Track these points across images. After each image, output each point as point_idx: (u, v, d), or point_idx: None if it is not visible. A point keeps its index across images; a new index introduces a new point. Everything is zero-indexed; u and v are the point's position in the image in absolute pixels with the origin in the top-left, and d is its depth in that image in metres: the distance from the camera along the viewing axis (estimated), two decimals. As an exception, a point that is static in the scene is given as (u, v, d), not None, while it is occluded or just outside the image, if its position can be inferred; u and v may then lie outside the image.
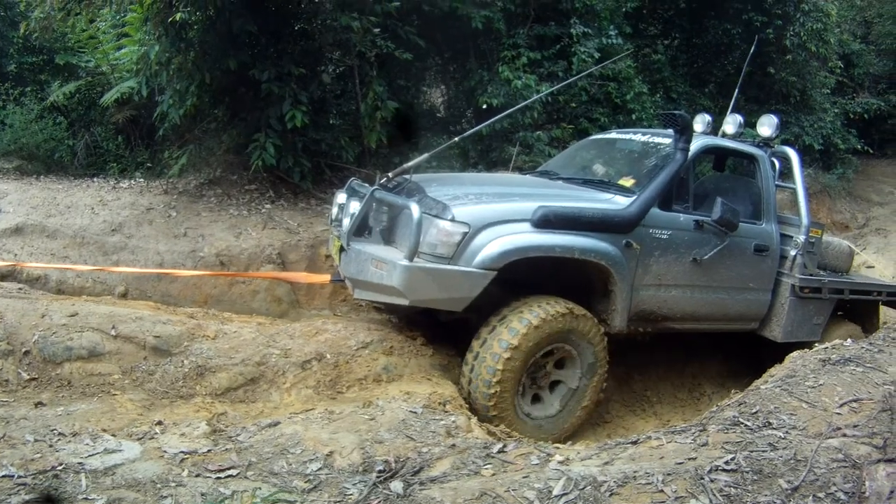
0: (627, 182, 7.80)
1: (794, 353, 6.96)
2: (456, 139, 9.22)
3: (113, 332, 6.88)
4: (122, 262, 9.76)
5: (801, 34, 17.58)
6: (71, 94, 13.75)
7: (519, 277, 6.74)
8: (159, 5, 10.59)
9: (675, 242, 7.64)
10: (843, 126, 20.34)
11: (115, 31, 13.69)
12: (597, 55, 14.41)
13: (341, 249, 7.41)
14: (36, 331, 6.63)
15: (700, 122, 9.04)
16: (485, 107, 13.45)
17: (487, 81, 13.72)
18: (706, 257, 7.82)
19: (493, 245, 6.52)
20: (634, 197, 7.38)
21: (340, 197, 8.14)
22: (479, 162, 13.45)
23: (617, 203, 7.33)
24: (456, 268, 6.49)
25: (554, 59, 14.31)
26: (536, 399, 7.27)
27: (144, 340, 6.94)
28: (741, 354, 9.64)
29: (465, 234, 6.46)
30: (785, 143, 9.63)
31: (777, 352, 7.63)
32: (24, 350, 6.48)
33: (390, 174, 7.50)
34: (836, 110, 20.25)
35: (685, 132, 7.70)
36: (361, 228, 7.23)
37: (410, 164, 7.64)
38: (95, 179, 12.55)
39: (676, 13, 18.98)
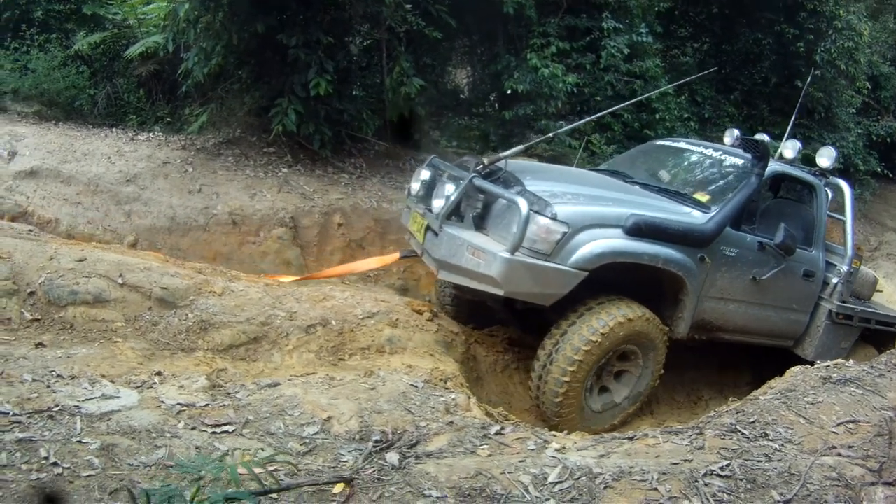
0: (703, 197, 8.00)
1: (796, 368, 6.95)
2: (551, 134, 9.65)
3: (120, 281, 6.89)
4: (133, 213, 9.78)
5: (832, 51, 17.49)
6: (96, 45, 13.69)
7: (594, 276, 6.83)
8: (191, -37, 10.58)
9: (740, 261, 7.92)
10: (864, 147, 20.22)
11: (146, -16, 13.68)
12: (626, 51, 14.43)
13: (427, 229, 7.49)
14: (43, 273, 6.65)
15: (791, 148, 9.21)
16: (510, 92, 13.45)
17: (514, 67, 13.69)
18: (764, 277, 8.09)
19: (589, 247, 6.69)
20: (711, 214, 7.60)
21: (424, 173, 8.18)
22: (499, 145, 13.41)
23: (695, 218, 7.54)
24: (553, 265, 6.62)
25: (583, 52, 14.32)
26: (603, 390, 7.56)
27: (151, 291, 6.96)
28: (740, 363, 9.67)
29: (565, 233, 6.58)
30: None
31: (776, 365, 7.64)
32: (28, 291, 6.49)
33: (486, 161, 7.52)
34: (859, 130, 20.13)
35: (763, 159, 8.02)
36: (453, 212, 7.25)
37: (507, 153, 7.68)
38: (114, 130, 12.53)
39: (708, 17, 18.89)
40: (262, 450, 4.16)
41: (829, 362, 7.11)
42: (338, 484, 3.74)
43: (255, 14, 10.90)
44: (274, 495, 3.57)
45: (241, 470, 3.35)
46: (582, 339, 6.79)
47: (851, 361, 7.13)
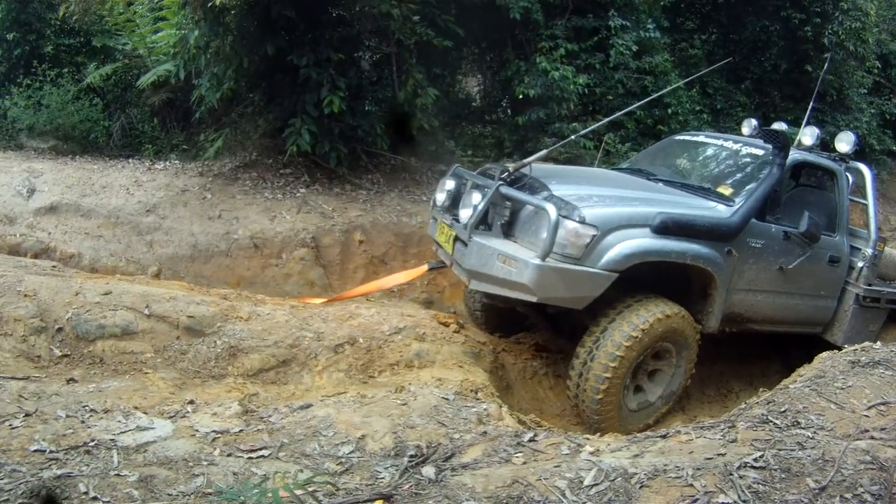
0: (726, 191, 8.05)
1: (824, 354, 6.93)
2: (573, 137, 9.80)
3: (146, 312, 6.95)
4: (155, 243, 9.86)
5: (840, 32, 17.37)
6: (107, 76, 13.82)
7: (624, 276, 6.87)
8: (199, -11, 10.64)
9: (766, 251, 7.95)
10: (878, 127, 20.10)
11: (153, 14, 13.77)
12: (634, 48, 14.43)
13: (456, 239, 7.50)
14: (69, 308, 6.71)
15: (809, 135, 9.32)
16: (521, 97, 13.47)
17: (524, 72, 13.71)
18: (791, 266, 8.13)
19: (618, 248, 6.73)
20: (736, 207, 7.65)
21: (448, 183, 8.21)
22: (514, 152, 13.45)
23: (720, 212, 7.60)
24: (584, 268, 6.66)
25: (591, 52, 14.30)
26: (638, 389, 7.57)
27: (178, 320, 7.00)
28: (769, 353, 9.66)
29: (594, 236, 6.62)
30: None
31: (805, 352, 7.64)
32: (56, 327, 6.56)
33: (510, 167, 7.56)
34: (872, 111, 20.01)
35: (784, 149, 8.05)
36: (481, 221, 7.28)
37: (531, 158, 7.72)
38: (130, 160, 12.64)
39: (714, 8, 18.81)
40: (301, 472, 4.17)
41: (856, 346, 7.10)
42: (377, 501, 3.77)
43: (263, 36, 10.99)
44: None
45: (282, 493, 3.38)
46: (623, 335, 6.83)
47: (879, 343, 7.12)
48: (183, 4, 11.48)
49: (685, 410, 8.36)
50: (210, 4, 10.20)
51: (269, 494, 3.15)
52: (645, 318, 6.93)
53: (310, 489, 3.79)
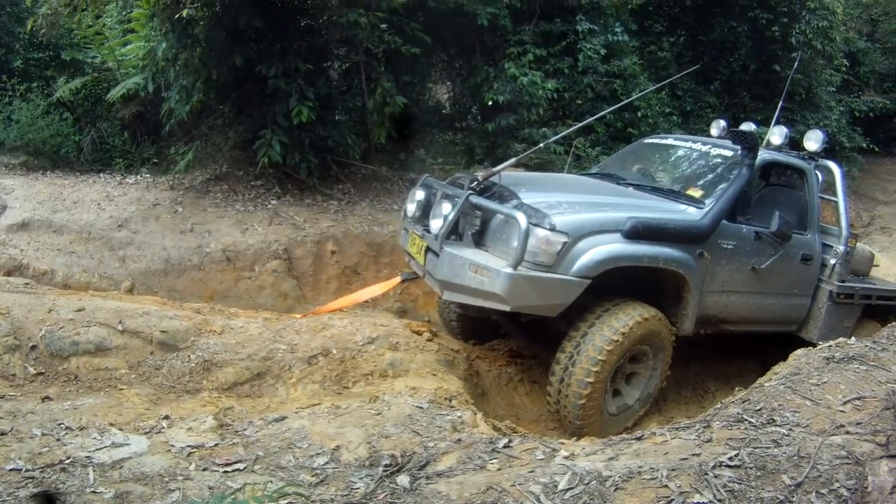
0: (696, 193, 8.06)
1: (799, 351, 6.96)
2: (541, 144, 9.71)
3: (120, 327, 6.92)
4: (128, 258, 9.81)
5: (807, 32, 17.52)
6: (77, 90, 13.79)
7: (596, 282, 6.87)
8: (166, 1, 10.60)
9: (738, 252, 7.98)
10: (848, 124, 20.26)
11: (121, 27, 13.75)
12: (603, 52, 14.52)
13: (427, 250, 7.49)
14: (43, 325, 6.66)
15: (778, 134, 9.34)
16: (491, 103, 13.49)
17: (493, 78, 13.75)
18: (763, 266, 8.16)
19: (590, 254, 6.73)
20: (707, 209, 7.66)
21: (418, 193, 8.20)
22: (484, 158, 13.47)
23: (690, 214, 7.62)
24: (556, 276, 6.65)
25: (560, 56, 14.37)
26: (616, 393, 7.57)
27: (151, 335, 6.98)
28: (745, 353, 9.70)
29: (565, 243, 6.62)
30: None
31: (780, 350, 7.66)
32: (30, 345, 6.51)
33: (480, 176, 7.53)
34: (841, 108, 20.18)
35: (753, 149, 8.08)
36: (452, 231, 7.26)
37: (500, 167, 7.71)
38: (101, 175, 12.60)
39: (682, 10, 18.93)
40: (270, 483, 4.17)
41: (831, 342, 7.14)
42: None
43: (231, 47, 10.96)
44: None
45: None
46: (604, 339, 6.85)
47: (854, 339, 7.16)
48: (151, 16, 11.46)
49: (662, 412, 8.38)
50: (177, 16, 10.19)
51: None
52: (625, 321, 6.95)
53: (281, 501, 3.78)
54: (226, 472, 4.35)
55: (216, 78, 11.26)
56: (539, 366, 8.53)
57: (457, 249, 7.05)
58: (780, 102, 10.56)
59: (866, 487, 3.49)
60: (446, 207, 7.36)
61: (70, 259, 9.68)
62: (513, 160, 8.18)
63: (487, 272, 6.63)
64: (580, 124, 10.23)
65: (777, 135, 9.28)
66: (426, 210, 7.93)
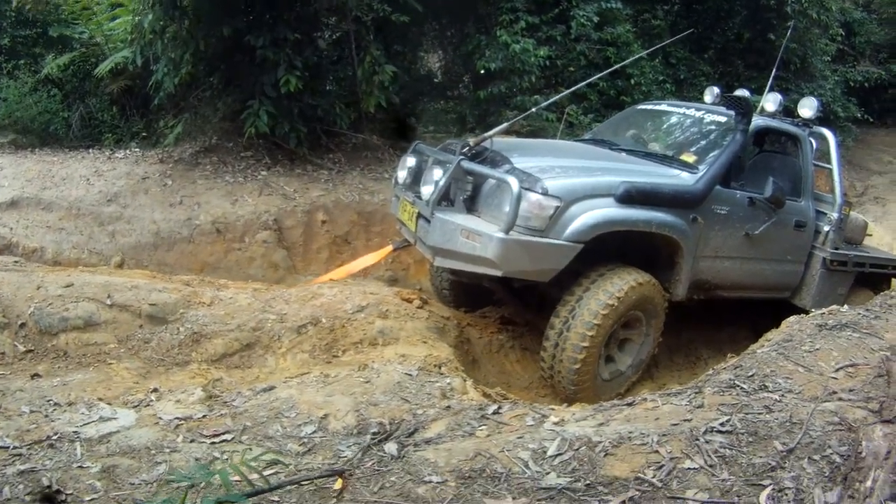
0: (690, 158, 8.07)
1: (791, 318, 6.95)
2: (533, 109, 9.62)
3: (108, 302, 6.91)
4: (117, 233, 9.77)
5: (803, 1, 17.42)
6: (65, 66, 13.65)
7: (589, 247, 6.86)
8: (152, -27, 10.52)
9: (732, 218, 7.98)
10: (843, 94, 20.18)
11: (109, 1, 13.61)
12: (596, 19, 14.43)
13: (418, 216, 7.45)
14: (31, 303, 6.66)
15: (772, 101, 9.37)
16: (483, 71, 13.42)
17: (485, 46, 13.66)
18: (757, 232, 8.15)
19: (582, 219, 6.72)
20: (700, 174, 7.68)
21: (409, 160, 8.19)
22: (476, 126, 13.41)
23: (684, 179, 7.63)
24: (548, 240, 6.64)
25: (552, 24, 14.26)
26: (609, 359, 7.60)
27: (140, 309, 6.97)
28: (738, 320, 9.70)
29: (558, 207, 6.59)
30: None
31: (773, 318, 7.64)
32: (19, 322, 6.52)
33: (471, 142, 7.49)
34: (836, 78, 20.09)
35: (747, 115, 8.05)
36: (443, 197, 7.22)
37: (492, 132, 7.66)
38: (91, 151, 12.52)
39: (676, -22, 18.85)
40: (249, 450, 4.14)
41: (824, 310, 7.13)
42: (338, 479, 3.73)
43: (220, 17, 10.87)
44: (276, 497, 3.56)
45: (236, 476, 3.34)
46: (599, 304, 6.85)
47: (847, 306, 7.14)
48: (138, -12, 11.36)
49: (654, 379, 8.39)
50: (164, -13, 10.11)
51: (218, 475, 3.09)
52: (620, 286, 6.95)
53: (270, 472, 3.77)
54: (213, 443, 4.34)
55: (204, 49, 11.16)
56: (531, 333, 8.54)
57: (448, 215, 7.01)
58: (774, 70, 10.52)
59: (860, 453, 3.44)
60: (437, 173, 7.32)
61: (59, 236, 9.65)
62: (504, 125, 8.13)
63: (479, 237, 6.60)
64: (571, 90, 10.22)
65: (771, 102, 9.30)
66: (417, 177, 7.91)
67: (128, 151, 12.33)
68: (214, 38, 11.02)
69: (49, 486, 3.58)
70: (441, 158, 7.55)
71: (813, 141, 9.54)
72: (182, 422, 4.63)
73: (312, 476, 3.74)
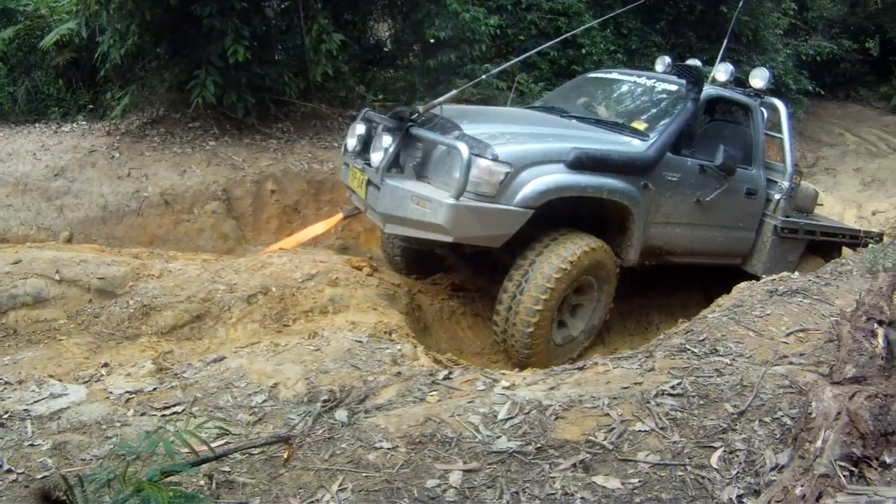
0: (641, 126, 8.12)
1: (742, 284, 7.04)
2: (483, 76, 9.81)
3: (57, 277, 6.90)
4: (65, 207, 9.66)
5: (755, -26, 17.56)
6: (10, 40, 13.42)
7: (540, 213, 6.89)
8: (96, -58, 10.35)
9: (683, 185, 8.06)
10: (795, 67, 20.34)
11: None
12: (545, -15, 14.39)
13: (368, 184, 7.44)
14: (-22, 281, 6.58)
15: (724, 71, 9.41)
16: (432, 40, 13.37)
17: (435, 14, 13.52)
18: (708, 199, 8.25)
19: (533, 185, 6.75)
20: (651, 141, 7.74)
21: (359, 128, 8.13)
22: (425, 95, 13.35)
23: (635, 146, 7.67)
24: (499, 206, 6.66)
25: (503, -9, 14.19)
26: (562, 325, 7.66)
27: (89, 283, 6.96)
28: (690, 286, 9.78)
29: (508, 173, 6.61)
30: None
31: (725, 284, 7.71)
32: (-33, 302, 6.44)
33: (421, 109, 7.48)
34: (788, 51, 20.22)
35: (698, 83, 8.17)
36: (393, 164, 7.20)
37: (441, 99, 7.62)
38: (37, 125, 12.36)
39: (630, -53, 18.84)
40: (196, 419, 4.12)
41: (774, 276, 7.20)
42: (277, 444, 3.75)
43: (166, -14, 10.71)
44: (227, 467, 3.54)
45: (185, 449, 3.31)
46: (552, 267, 6.89)
47: (798, 273, 7.22)
48: (83, -42, 11.19)
49: (606, 344, 8.48)
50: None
51: (162, 444, 3.06)
52: (572, 250, 7.00)
53: (220, 443, 3.75)
54: (164, 415, 4.30)
55: (150, 19, 10.96)
56: (482, 299, 8.61)
57: (398, 182, 7.01)
58: (725, 42, 10.58)
59: (810, 414, 3.47)
60: (387, 140, 7.30)
61: (6, 212, 9.53)
62: (454, 92, 8.12)
63: (429, 203, 6.60)
64: (520, 58, 10.20)
65: (722, 72, 9.38)
66: (367, 144, 7.89)
67: (74, 125, 12.18)
68: (160, 7, 10.82)
69: (49, 486, 3.53)
70: (391, 125, 7.50)
71: (764, 111, 9.66)
72: (133, 395, 4.58)
73: (257, 443, 3.73)
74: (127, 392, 4.62)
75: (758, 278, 7.75)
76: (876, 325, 4.41)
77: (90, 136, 11.32)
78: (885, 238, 9.95)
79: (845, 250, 10.48)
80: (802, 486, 2.94)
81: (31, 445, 3.84)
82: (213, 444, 3.53)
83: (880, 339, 4.26)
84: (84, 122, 12.25)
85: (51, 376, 5.02)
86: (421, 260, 9.27)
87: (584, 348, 7.83)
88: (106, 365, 5.34)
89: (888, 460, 3.05)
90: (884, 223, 13.57)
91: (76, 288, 6.88)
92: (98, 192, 9.93)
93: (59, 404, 4.38)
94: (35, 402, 4.40)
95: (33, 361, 5.61)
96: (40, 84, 13.27)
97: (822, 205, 12.55)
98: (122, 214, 9.79)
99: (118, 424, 4.13)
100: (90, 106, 12.92)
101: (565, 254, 6.94)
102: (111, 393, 4.60)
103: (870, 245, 9.76)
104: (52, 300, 6.73)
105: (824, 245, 10.23)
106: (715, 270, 9.32)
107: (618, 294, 7.84)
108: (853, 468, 3.02)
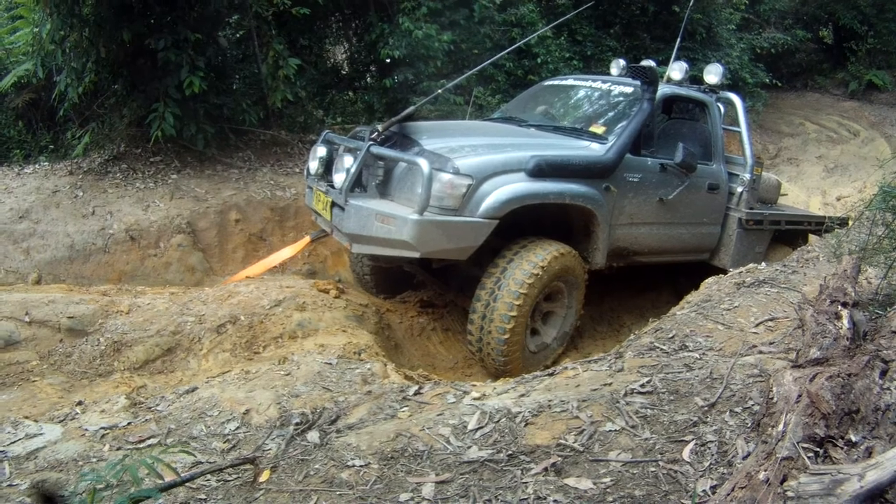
0: (599, 129, 8.20)
1: (710, 279, 7.13)
2: (438, 91, 9.65)
3: (27, 319, 6.88)
4: (32, 249, 9.60)
5: (706, -29, 17.69)
6: (-33, 83, 13.44)
7: (504, 223, 6.93)
8: (47, -19, 10.33)
9: (644, 184, 8.14)
10: (750, 61, 20.44)
11: (9, 13, 13.42)
12: (498, 1, 14.45)
13: (333, 205, 7.44)
14: (-51, 327, 6.56)
15: (678, 70, 9.64)
16: (388, 60, 13.44)
17: (388, 34, 13.61)
18: (670, 197, 8.34)
19: (495, 195, 6.79)
20: (610, 144, 7.80)
21: (320, 150, 8.16)
22: (384, 115, 13.40)
23: (594, 150, 7.73)
24: (463, 219, 6.70)
25: (455, 8, 14.20)
26: (534, 332, 7.69)
27: (59, 323, 6.94)
28: (659, 284, 9.84)
29: (470, 185, 6.65)
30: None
31: (695, 280, 7.76)
32: (-63, 348, 6.43)
33: (380, 128, 7.53)
34: (742, 45, 20.32)
35: (653, 83, 8.23)
36: (355, 183, 7.23)
37: (398, 116, 7.76)
38: (-1, 168, 12.33)
39: (573, -43, 18.94)
40: (163, 447, 4.13)
41: (742, 268, 7.26)
42: (265, 470, 3.75)
43: (119, 23, 10.69)
44: (203, 495, 3.55)
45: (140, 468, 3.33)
46: (524, 273, 6.94)
47: (764, 264, 7.28)
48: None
49: (579, 349, 8.49)
50: (59, -6, 9.96)
51: (128, 471, 3.08)
52: (542, 255, 7.06)
53: (191, 471, 3.75)
54: (138, 448, 4.32)
55: (106, 56, 10.98)
56: (452, 313, 8.66)
57: (362, 201, 7.04)
58: (678, 41, 10.69)
59: (772, 398, 3.50)
60: (348, 161, 7.36)
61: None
62: (411, 109, 8.18)
63: (394, 220, 6.64)
64: (474, 70, 10.24)
65: (677, 70, 9.52)
66: (329, 166, 7.94)
67: (37, 166, 12.13)
68: (115, 44, 10.83)
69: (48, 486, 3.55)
70: (351, 146, 7.57)
71: (720, 106, 9.76)
72: (108, 431, 4.60)
73: (223, 465, 3.75)
74: (102, 428, 4.63)
75: (726, 272, 7.82)
76: (840, 307, 4.46)
77: (53, 176, 11.27)
78: (849, 222, 10.03)
79: (812, 237, 10.54)
80: (766, 470, 2.97)
81: (10, 486, 3.86)
82: (184, 473, 3.55)
83: (845, 321, 4.31)
84: (46, 163, 12.20)
85: (26, 417, 5.02)
86: (391, 278, 9.30)
87: (558, 355, 7.85)
88: (80, 403, 5.34)
89: (854, 438, 3.08)
90: (849, 208, 13.67)
91: (47, 328, 6.86)
92: (64, 231, 9.89)
93: (36, 444, 4.39)
94: (11, 443, 4.41)
95: (8, 404, 5.58)
96: (0, 126, 13.23)
97: (786, 194, 12.65)
98: (88, 253, 9.74)
99: (94, 460, 4.14)
100: (51, 146, 12.89)
101: (536, 259, 7.00)
102: (86, 430, 4.61)
103: (835, 230, 9.87)
104: (24, 342, 6.70)
105: (791, 234, 10.33)
106: (684, 267, 9.40)
107: (588, 298, 7.88)
108: (818, 448, 3.05)
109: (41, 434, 4.56)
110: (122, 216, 10.21)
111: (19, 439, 4.46)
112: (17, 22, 13.05)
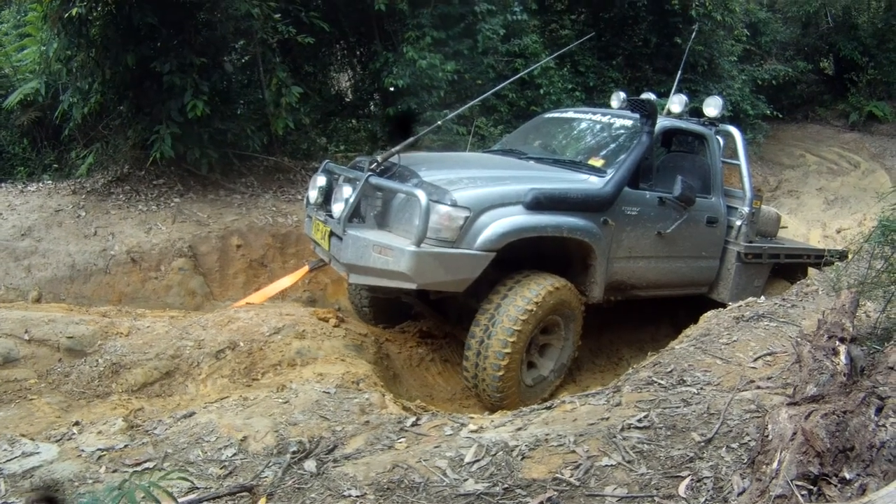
0: (598, 162, 8.19)
1: (709, 313, 7.12)
2: (439, 122, 9.49)
3: (26, 337, 6.84)
4: (33, 267, 9.62)
5: (707, 4, 17.71)
6: (-27, 100, 13.47)
7: (502, 256, 6.92)
8: (56, 1, 10.37)
9: (643, 218, 8.11)
10: (751, 92, 20.49)
11: (17, 31, 13.48)
12: (502, 31, 14.52)
13: (331, 235, 7.45)
14: (-52, 343, 6.55)
15: (678, 103, 9.65)
16: (391, 88, 13.49)
17: (393, 63, 13.68)
18: (669, 231, 8.31)
19: (493, 227, 6.77)
20: (608, 177, 7.80)
21: (320, 180, 8.15)
22: (387, 144, 13.41)
23: (592, 183, 7.72)
24: (460, 251, 6.69)
25: (459, 38, 14.28)
26: (531, 365, 7.68)
27: (58, 342, 6.91)
28: (658, 318, 9.83)
29: (467, 217, 6.65)
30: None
31: (694, 313, 7.77)
32: (-64, 363, 6.40)
33: (379, 158, 7.56)
34: (743, 77, 20.39)
35: (652, 117, 8.23)
36: (354, 214, 7.23)
37: (398, 147, 7.73)
38: (3, 185, 12.31)
39: (583, -13, 19.04)
40: (160, 472, 4.13)
41: (741, 302, 7.26)
42: (261, 498, 3.75)
43: (126, 45, 10.75)
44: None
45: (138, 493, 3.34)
46: (518, 310, 6.90)
47: (763, 298, 7.29)
48: (43, 18, 11.19)
49: (577, 382, 8.47)
50: (67, 15, 9.99)
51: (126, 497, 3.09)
52: (537, 290, 7.02)
53: (189, 497, 3.76)
54: (135, 471, 4.32)
55: (111, 77, 11.04)
56: (451, 344, 8.66)
57: (360, 231, 7.04)
58: (679, 73, 10.73)
59: (767, 436, 3.52)
60: (347, 191, 7.34)
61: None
62: (411, 139, 8.16)
63: (391, 251, 6.64)
64: (477, 100, 10.24)
65: (677, 103, 9.53)
66: (328, 196, 7.91)
67: (40, 184, 12.15)
68: (121, 65, 10.89)
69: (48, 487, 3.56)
70: (350, 176, 7.59)
71: (720, 139, 9.75)
72: (104, 453, 4.60)
73: (221, 493, 3.76)
74: (98, 449, 4.63)
75: (725, 306, 7.82)
76: (838, 342, 4.47)
77: (56, 195, 11.29)
78: (848, 255, 10.06)
79: (811, 271, 10.54)
80: (759, 508, 2.98)
81: (5, 503, 3.85)
82: (181, 499, 3.56)
83: (842, 357, 4.32)
84: (50, 181, 12.23)
85: (23, 435, 4.99)
86: (389, 309, 9.29)
87: (556, 387, 7.83)
88: (77, 423, 5.32)
89: (848, 476, 3.09)
90: (849, 241, 13.70)
91: (46, 347, 6.83)
92: (65, 251, 9.91)
93: (32, 462, 4.40)
94: (7, 460, 4.42)
95: (5, 421, 5.54)
96: (5, 143, 13.27)
97: (786, 227, 12.66)
98: (89, 273, 9.76)
99: (90, 481, 4.14)
100: (55, 165, 12.91)
101: (530, 295, 6.98)
102: (83, 451, 4.62)
103: (834, 264, 9.89)
104: (22, 360, 6.67)
105: (790, 267, 10.33)
106: (683, 301, 9.37)
107: (586, 331, 7.87)
108: (812, 487, 3.06)
109: (37, 453, 4.56)
110: (123, 238, 10.23)
111: (15, 457, 4.47)
112: (24, 40, 13.12)
